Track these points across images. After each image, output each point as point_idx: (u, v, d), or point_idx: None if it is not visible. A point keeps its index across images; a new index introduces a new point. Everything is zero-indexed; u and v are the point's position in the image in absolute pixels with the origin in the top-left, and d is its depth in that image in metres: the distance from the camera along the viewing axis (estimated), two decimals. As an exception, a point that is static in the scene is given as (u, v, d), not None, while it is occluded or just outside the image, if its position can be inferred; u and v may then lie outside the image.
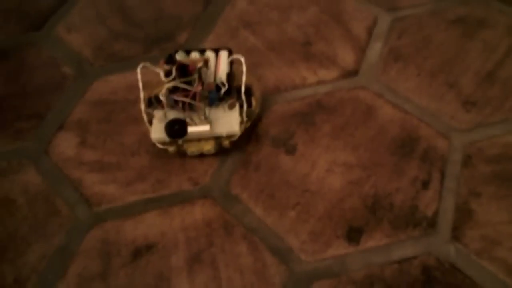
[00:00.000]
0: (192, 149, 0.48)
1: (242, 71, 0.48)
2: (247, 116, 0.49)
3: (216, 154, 0.48)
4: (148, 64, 0.47)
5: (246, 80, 0.48)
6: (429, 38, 0.56)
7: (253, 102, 0.50)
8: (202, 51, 0.51)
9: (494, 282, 0.40)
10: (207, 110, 0.48)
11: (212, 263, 0.42)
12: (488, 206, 0.43)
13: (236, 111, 0.48)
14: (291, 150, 0.48)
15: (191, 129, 0.47)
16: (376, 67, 0.54)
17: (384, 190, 0.45)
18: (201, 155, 0.48)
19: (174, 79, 0.47)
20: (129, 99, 0.54)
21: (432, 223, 0.43)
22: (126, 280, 0.42)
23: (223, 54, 0.50)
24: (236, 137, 0.48)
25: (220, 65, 0.50)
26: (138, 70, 0.47)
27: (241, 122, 0.48)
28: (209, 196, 0.46)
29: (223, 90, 0.48)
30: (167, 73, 0.46)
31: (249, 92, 0.49)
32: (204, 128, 0.48)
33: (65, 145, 0.51)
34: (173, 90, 0.47)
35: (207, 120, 0.48)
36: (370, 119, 0.50)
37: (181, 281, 0.41)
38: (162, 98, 0.47)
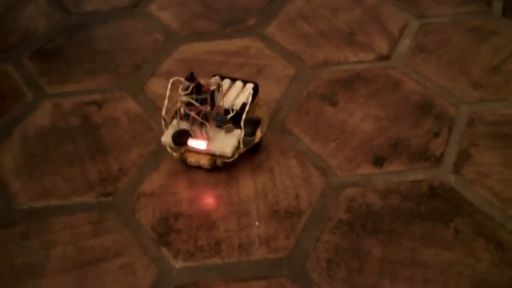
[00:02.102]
0: (191, 159, 0.54)
1: (266, 109, 0.56)
2: (244, 143, 0.54)
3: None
4: (180, 78, 0.53)
5: (259, 114, 0.56)
6: (449, 39, 0.71)
7: (258, 134, 0.55)
8: (233, 80, 0.57)
9: (482, 201, 0.53)
10: (209, 129, 0.53)
11: (270, 170, 0.56)
12: (483, 153, 0.58)
13: (234, 136, 0.54)
14: (334, 104, 0.63)
15: (190, 141, 0.53)
16: (404, 55, 0.69)
17: (404, 135, 0.59)
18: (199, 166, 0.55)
19: (187, 94, 0.52)
20: (207, 60, 0.69)
21: (439, 160, 0.57)
22: (203, 177, 0.56)
23: (248, 86, 0.57)
24: (230, 160, 0.54)
25: (241, 94, 0.56)
26: (171, 81, 0.54)
27: (237, 147, 0.54)
28: (269, 128, 0.60)
29: (230, 115, 0.54)
30: (185, 88, 0.52)
31: (257, 123, 0.55)
32: (201, 143, 0.53)
33: (157, 86, 0.66)
34: (188, 104, 0.53)
35: (206, 137, 0.53)
36: (397, 89, 0.65)
37: (246, 180, 0.55)
38: (182, 108, 0.53)
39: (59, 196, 0.54)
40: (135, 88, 0.65)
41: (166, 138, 0.54)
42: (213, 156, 0.54)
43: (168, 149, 0.55)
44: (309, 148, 0.58)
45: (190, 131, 0.53)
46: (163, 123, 0.55)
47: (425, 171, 0.55)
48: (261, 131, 0.55)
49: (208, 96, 0.52)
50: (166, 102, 0.54)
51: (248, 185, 0.54)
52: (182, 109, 0.53)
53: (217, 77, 0.56)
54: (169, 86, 0.54)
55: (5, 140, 0.60)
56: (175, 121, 0.55)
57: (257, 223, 0.51)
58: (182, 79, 0.52)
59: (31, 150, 0.59)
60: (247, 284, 0.47)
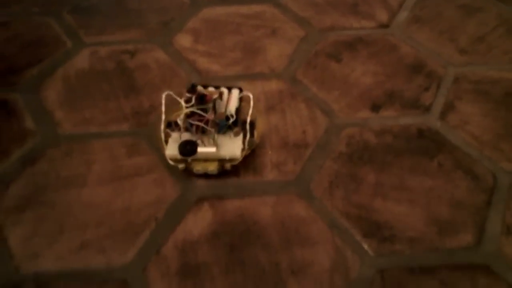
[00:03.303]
0: (197, 167, 0.55)
1: (255, 110, 0.59)
2: (248, 144, 0.57)
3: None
4: (171, 93, 0.57)
5: (252, 116, 0.57)
6: (441, 13, 0.81)
7: (255, 134, 0.57)
8: (216, 87, 0.59)
9: (463, 142, 0.63)
10: (215, 135, 0.55)
11: (282, 111, 0.65)
12: (465, 105, 0.67)
13: (239, 139, 0.56)
14: (338, 61, 0.72)
15: (200, 149, 0.54)
16: (402, 24, 0.78)
17: (399, 88, 0.69)
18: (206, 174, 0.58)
19: (193, 105, 0.54)
20: (227, 20, 0.78)
21: (427, 109, 0.66)
22: (224, 112, 0.65)
23: (235, 92, 0.59)
24: (237, 162, 0.56)
25: (231, 100, 0.58)
26: (163, 96, 0.57)
27: (243, 149, 0.56)
28: (281, 78, 0.70)
29: (231, 120, 0.56)
30: (187, 100, 0.54)
31: (253, 125, 0.57)
32: (211, 149, 0.54)
33: (184, 40, 0.75)
34: (190, 115, 0.54)
35: (215, 143, 0.55)
36: (394, 51, 0.74)
37: (262, 118, 0.65)
38: (179, 121, 0.54)
39: (97, 124, 0.63)
40: (164, 41, 0.74)
41: (171, 151, 0.55)
42: (220, 161, 0.56)
43: (171, 162, 0.56)
44: (315, 95, 0.67)
45: (196, 140, 0.54)
46: (162, 136, 0.57)
47: (415, 117, 0.64)
48: (257, 132, 0.58)
49: (211, 106, 0.55)
50: (163, 116, 0.56)
51: (263, 122, 0.63)
52: (181, 121, 0.55)
53: (199, 86, 0.57)
54: (163, 101, 0.57)
55: (49, 79, 0.69)
56: (174, 134, 0.56)
57: (270, 152, 0.60)
58: (172, 92, 0.57)
59: (72, 87, 0.68)
60: (260, 198, 0.56)
